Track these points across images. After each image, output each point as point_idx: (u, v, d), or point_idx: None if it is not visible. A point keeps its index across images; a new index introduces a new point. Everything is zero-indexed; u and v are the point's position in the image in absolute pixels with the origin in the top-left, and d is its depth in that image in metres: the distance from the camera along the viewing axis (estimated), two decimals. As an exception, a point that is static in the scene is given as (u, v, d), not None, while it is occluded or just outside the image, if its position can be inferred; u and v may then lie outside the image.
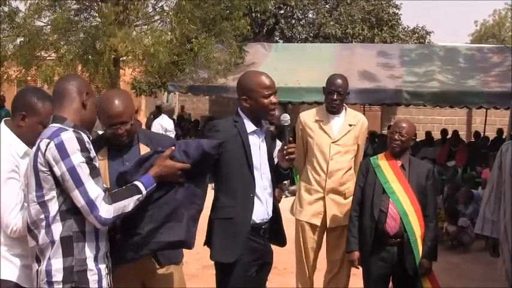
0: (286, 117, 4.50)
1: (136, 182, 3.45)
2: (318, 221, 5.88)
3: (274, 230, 4.57)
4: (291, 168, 4.64)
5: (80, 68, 13.84)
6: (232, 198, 4.27)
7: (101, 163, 3.86)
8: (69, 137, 3.22)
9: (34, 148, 3.29)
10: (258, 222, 4.38)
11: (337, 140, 5.81)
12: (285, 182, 15.22)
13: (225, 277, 4.32)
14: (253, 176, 4.33)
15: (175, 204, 3.61)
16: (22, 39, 13.56)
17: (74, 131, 3.27)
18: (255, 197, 4.35)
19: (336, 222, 5.77)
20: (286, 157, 4.41)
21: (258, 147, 4.41)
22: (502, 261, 5.45)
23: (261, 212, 4.39)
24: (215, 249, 4.33)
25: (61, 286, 3.23)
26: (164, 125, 13.38)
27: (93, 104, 3.56)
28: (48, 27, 13.76)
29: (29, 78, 14.25)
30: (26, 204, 3.44)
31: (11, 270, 3.80)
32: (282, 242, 4.72)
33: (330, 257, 5.95)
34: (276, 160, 4.62)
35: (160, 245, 3.66)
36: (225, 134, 4.21)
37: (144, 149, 4.07)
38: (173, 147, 3.61)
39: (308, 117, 5.99)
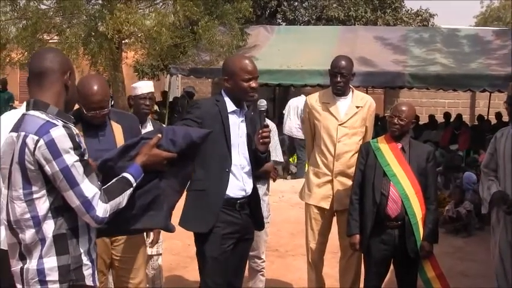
0: (262, 103, 4.61)
1: (125, 174, 3.27)
2: (326, 205, 5.86)
3: (251, 212, 4.68)
4: (269, 152, 4.79)
5: (82, 50, 13.80)
6: (207, 172, 4.40)
7: None
8: (60, 135, 3.00)
9: (18, 141, 3.05)
10: (232, 196, 4.51)
11: (344, 122, 5.78)
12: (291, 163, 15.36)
13: (202, 248, 4.50)
14: (230, 152, 4.49)
15: (157, 193, 3.50)
16: (24, 22, 13.53)
17: (63, 125, 3.05)
18: (231, 173, 4.49)
19: (343, 205, 5.72)
20: (261, 141, 4.51)
21: (237, 126, 4.58)
22: (493, 242, 5.51)
23: (236, 187, 4.53)
24: (187, 220, 4.47)
25: (57, 285, 3.09)
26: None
27: (75, 83, 3.37)
28: (51, 9, 13.72)
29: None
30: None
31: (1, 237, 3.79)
32: (258, 226, 4.81)
33: (342, 242, 5.91)
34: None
35: (140, 231, 3.62)
36: (206, 111, 4.44)
37: (115, 126, 4.62)
38: (160, 135, 3.48)
39: (314, 99, 5.96)
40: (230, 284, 4.64)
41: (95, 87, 4.36)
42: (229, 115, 4.53)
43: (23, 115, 3.15)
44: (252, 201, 4.68)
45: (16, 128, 3.11)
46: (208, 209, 4.44)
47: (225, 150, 4.47)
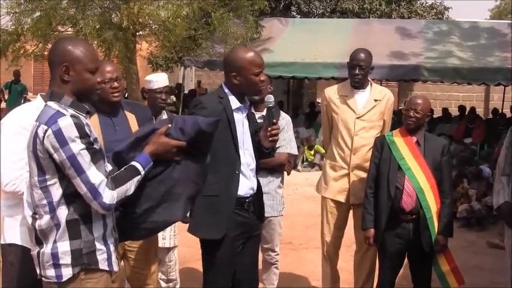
0: (270, 99, 4.50)
1: (133, 163, 3.34)
2: (342, 198, 5.84)
3: (254, 207, 4.58)
4: (274, 148, 4.69)
5: (95, 42, 13.81)
6: (217, 175, 4.20)
7: (95, 128, 4.22)
8: (66, 124, 3.08)
9: (33, 131, 3.17)
10: (242, 195, 4.39)
11: (362, 115, 5.76)
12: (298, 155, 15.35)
13: (211, 254, 4.34)
14: (238, 153, 4.34)
15: (171, 183, 3.52)
16: (39, 13, 13.53)
17: (72, 115, 3.13)
18: (240, 174, 4.36)
19: (360, 199, 5.69)
20: (270, 138, 4.40)
21: (241, 123, 4.41)
22: (507, 236, 5.49)
23: (246, 187, 4.41)
24: (199, 226, 4.29)
25: (70, 269, 3.18)
26: None
27: (81, 73, 3.26)
28: (65, 1, 13.72)
29: (45, 53, 14.22)
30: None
31: (16, 233, 3.84)
32: (259, 218, 4.72)
33: (358, 236, 5.89)
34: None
35: (156, 224, 3.58)
36: (211, 110, 4.20)
37: (129, 116, 4.65)
38: (169, 125, 3.52)
39: (332, 92, 5.93)
40: (248, 281, 4.57)
41: (106, 61, 4.57)
42: (234, 112, 4.36)
43: (44, 106, 3.25)
44: (256, 196, 4.58)
45: (37, 118, 3.21)
46: (220, 214, 4.27)
47: (233, 151, 4.32)
